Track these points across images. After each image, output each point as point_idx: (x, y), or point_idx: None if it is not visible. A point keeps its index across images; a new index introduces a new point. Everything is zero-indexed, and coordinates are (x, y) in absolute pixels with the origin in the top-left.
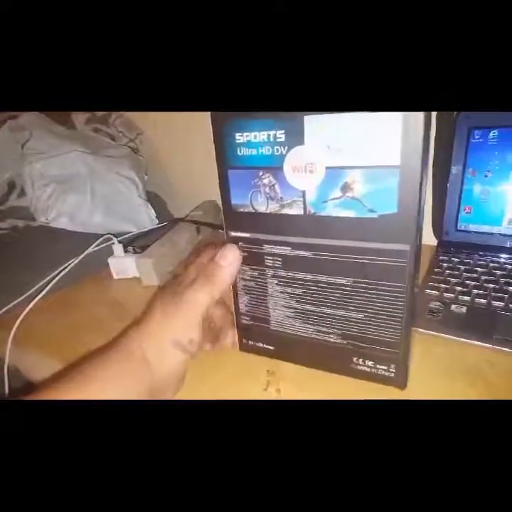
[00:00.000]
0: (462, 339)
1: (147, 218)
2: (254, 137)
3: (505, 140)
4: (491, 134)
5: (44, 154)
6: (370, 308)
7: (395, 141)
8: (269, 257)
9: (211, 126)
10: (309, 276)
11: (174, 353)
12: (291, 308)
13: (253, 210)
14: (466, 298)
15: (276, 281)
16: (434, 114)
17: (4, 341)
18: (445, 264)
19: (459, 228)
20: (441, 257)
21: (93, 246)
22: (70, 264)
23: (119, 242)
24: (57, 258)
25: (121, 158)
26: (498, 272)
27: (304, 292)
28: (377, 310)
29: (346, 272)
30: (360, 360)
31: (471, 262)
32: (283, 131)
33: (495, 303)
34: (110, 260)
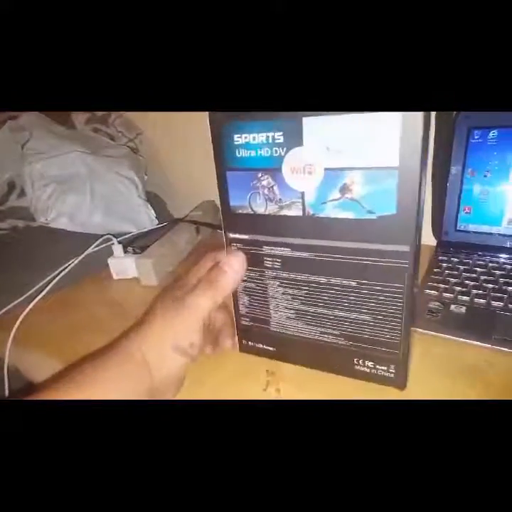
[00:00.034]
0: (461, 339)
1: (147, 218)
2: (253, 139)
3: (505, 140)
4: (491, 134)
5: (44, 154)
6: (369, 309)
7: (394, 142)
8: (268, 259)
9: (209, 128)
10: (309, 278)
11: (174, 357)
12: (291, 309)
13: (252, 212)
14: (465, 298)
15: (275, 283)
16: (433, 114)
17: (4, 341)
18: (444, 264)
19: (458, 228)
20: (440, 257)
21: (93, 246)
22: (69, 265)
23: (119, 242)
24: (57, 258)
25: (121, 158)
26: (498, 272)
27: (304, 293)
28: (377, 311)
29: (346, 273)
30: (360, 360)
31: (471, 262)
32: (281, 133)
33: (494, 303)
34: (110, 260)
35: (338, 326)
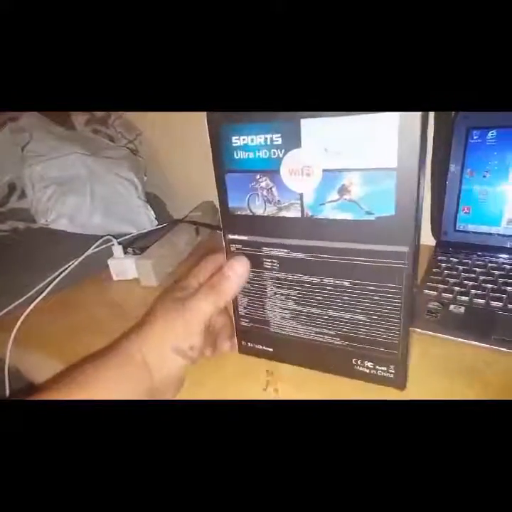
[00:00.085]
0: (460, 339)
1: (146, 219)
2: (251, 141)
3: (504, 140)
4: (490, 135)
5: (44, 156)
6: (368, 310)
7: (392, 143)
8: (267, 260)
9: (207, 130)
10: (308, 278)
11: (174, 359)
12: (290, 310)
13: (251, 213)
14: (464, 298)
15: (274, 284)
16: (431, 114)
17: (5, 342)
18: (443, 265)
19: (457, 228)
20: (439, 257)
21: (93, 247)
22: (70, 266)
23: (119, 243)
24: (57, 259)
25: (121, 159)
26: (497, 272)
27: (303, 294)
28: (376, 311)
29: (345, 274)
30: (360, 361)
31: (470, 262)
32: (279, 135)
33: (493, 303)
34: (110, 261)
35: (337, 327)
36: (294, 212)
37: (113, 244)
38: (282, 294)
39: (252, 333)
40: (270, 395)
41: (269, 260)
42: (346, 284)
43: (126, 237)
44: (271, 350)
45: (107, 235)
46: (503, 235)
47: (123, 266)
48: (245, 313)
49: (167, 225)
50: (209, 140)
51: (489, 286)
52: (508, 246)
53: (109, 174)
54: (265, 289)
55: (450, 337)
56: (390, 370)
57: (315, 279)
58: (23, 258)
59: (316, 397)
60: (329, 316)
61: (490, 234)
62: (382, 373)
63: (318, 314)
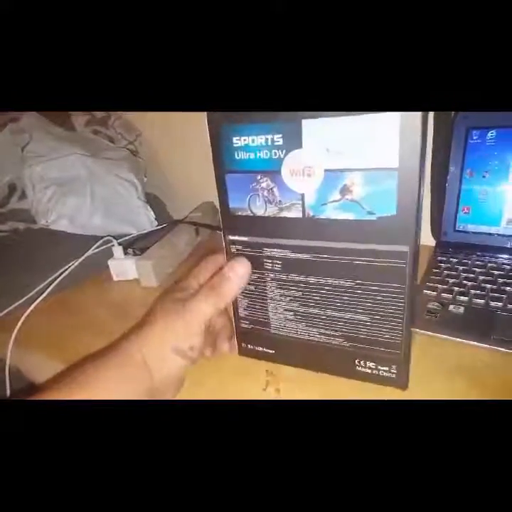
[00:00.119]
0: (460, 339)
1: (146, 220)
2: (252, 141)
3: (503, 140)
4: (489, 135)
5: (44, 157)
6: (370, 310)
7: (393, 143)
8: (268, 261)
9: (208, 131)
10: (309, 279)
11: (174, 359)
12: (291, 311)
13: (251, 214)
14: (464, 298)
15: (276, 285)
16: (431, 114)
17: (6, 343)
18: (443, 265)
19: (457, 229)
20: (439, 258)
21: (93, 248)
22: (70, 267)
23: (119, 244)
24: (57, 260)
25: (121, 160)
26: (496, 272)
27: (304, 295)
28: (378, 311)
29: (346, 274)
30: (362, 361)
31: (469, 262)
32: (281, 135)
33: (493, 303)
34: (110, 262)
35: (339, 327)
36: (295, 213)
37: (113, 245)
38: (283, 295)
39: (252, 335)
40: (270, 395)
41: (270, 261)
42: (348, 284)
43: (127, 237)
44: (271, 351)
45: (107, 235)
46: (503, 235)
47: (123, 266)
48: (245, 315)
49: (167, 225)
50: (209, 140)
51: (489, 286)
52: (508, 246)
53: (109, 175)
54: (266, 290)
55: (449, 337)
56: (392, 370)
57: (316, 280)
58: (24, 259)
59: (317, 396)
60: (331, 317)
61: (490, 234)
62: (384, 373)
63: (320, 315)
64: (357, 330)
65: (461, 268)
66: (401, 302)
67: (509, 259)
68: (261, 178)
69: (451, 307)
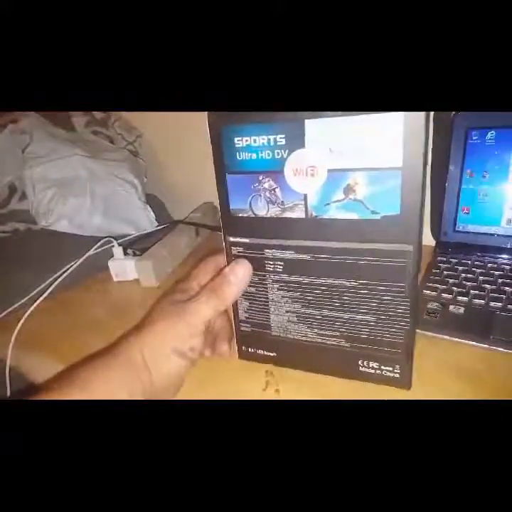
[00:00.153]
0: (460, 340)
1: (147, 221)
2: (254, 141)
3: (503, 141)
4: (489, 135)
5: (44, 158)
6: (374, 310)
7: (397, 143)
8: (269, 262)
9: (208, 132)
10: (312, 280)
11: (174, 360)
12: (294, 312)
13: (253, 215)
14: (464, 299)
15: (277, 286)
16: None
17: (6, 343)
18: (443, 265)
19: (457, 229)
20: (439, 258)
21: (93, 249)
22: (70, 267)
23: (119, 244)
24: (57, 261)
25: (121, 161)
26: (496, 273)
27: (307, 296)
28: (381, 311)
29: (349, 274)
30: (365, 362)
31: (469, 262)
32: (283, 135)
33: (493, 303)
34: (110, 263)
35: (343, 328)
36: (298, 213)
37: (113, 246)
38: (285, 297)
39: (252, 338)
40: (270, 395)
41: (272, 262)
42: (351, 284)
43: (127, 238)
44: (272, 354)
45: (108, 236)
46: (503, 236)
47: (123, 267)
48: (246, 318)
49: (167, 226)
50: (210, 141)
51: (489, 286)
52: (508, 246)
53: (110, 176)
54: (267, 292)
55: (449, 337)
56: (396, 370)
57: (319, 280)
58: (24, 259)
59: (317, 396)
60: (334, 317)
61: (489, 234)
62: (388, 373)
63: (323, 316)
64: (361, 330)
65: (461, 268)
66: (405, 301)
67: (509, 259)
68: (263, 178)
69: (451, 307)
